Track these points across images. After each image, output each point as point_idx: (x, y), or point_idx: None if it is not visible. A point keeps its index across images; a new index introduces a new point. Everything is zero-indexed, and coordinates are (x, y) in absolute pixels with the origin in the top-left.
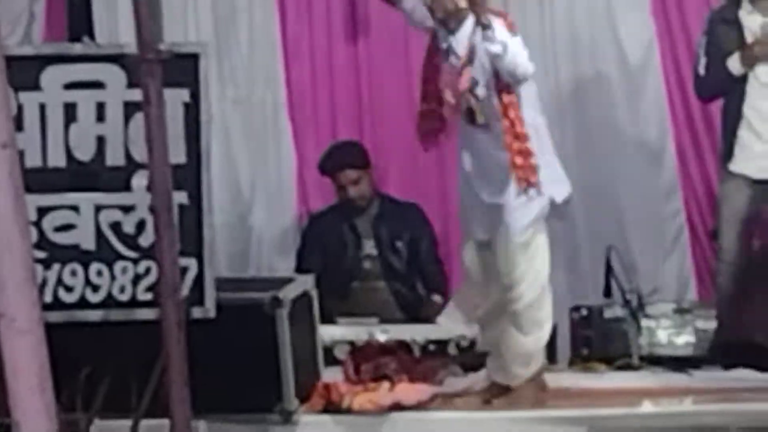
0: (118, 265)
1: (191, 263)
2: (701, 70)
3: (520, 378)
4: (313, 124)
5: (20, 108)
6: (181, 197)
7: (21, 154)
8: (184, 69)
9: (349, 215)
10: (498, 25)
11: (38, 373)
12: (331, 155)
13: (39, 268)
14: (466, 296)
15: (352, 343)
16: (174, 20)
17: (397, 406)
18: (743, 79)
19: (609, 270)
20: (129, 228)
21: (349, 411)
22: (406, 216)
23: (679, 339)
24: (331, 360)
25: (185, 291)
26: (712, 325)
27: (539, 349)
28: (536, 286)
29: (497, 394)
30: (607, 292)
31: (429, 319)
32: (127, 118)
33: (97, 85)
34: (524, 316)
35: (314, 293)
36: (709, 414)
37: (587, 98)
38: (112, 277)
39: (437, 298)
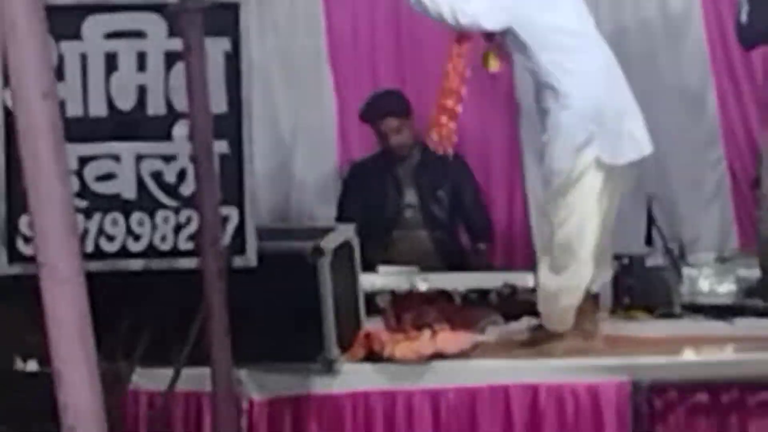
0: (159, 215)
1: (232, 212)
2: (744, 18)
3: (554, 323)
4: (354, 73)
5: (61, 58)
6: (221, 146)
7: (62, 104)
8: (224, 18)
9: (390, 164)
10: None
11: (79, 322)
12: (372, 103)
13: (80, 217)
14: None
15: (393, 292)
16: None
17: (439, 355)
18: None
19: (650, 218)
20: (170, 177)
21: (390, 360)
22: (448, 165)
23: (721, 288)
24: (373, 309)
25: (226, 240)
26: (754, 273)
27: (567, 292)
28: (571, 225)
29: (541, 339)
30: (649, 241)
31: (474, 268)
32: (168, 67)
33: (138, 34)
34: (554, 254)
35: (355, 242)
36: (751, 362)
37: (628, 45)
38: (153, 227)
39: (482, 246)
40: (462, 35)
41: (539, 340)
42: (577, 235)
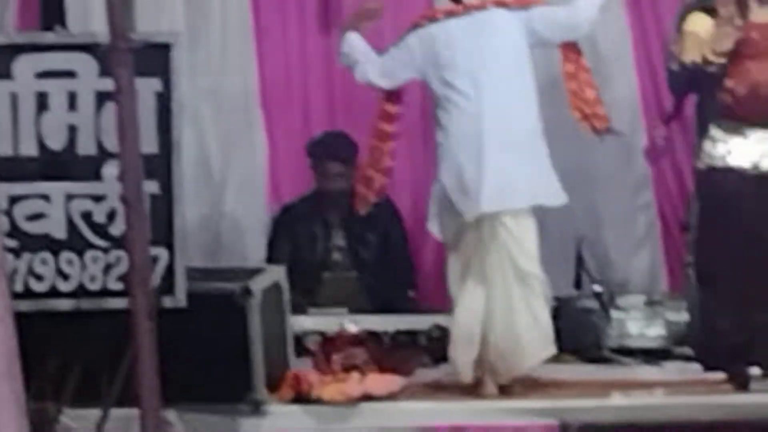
0: (89, 255)
1: (162, 253)
2: (674, 66)
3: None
4: (285, 114)
5: None
6: (152, 187)
7: None
8: (156, 58)
9: (322, 206)
10: None
11: (7, 362)
12: (322, 143)
13: (9, 256)
14: None
15: (322, 334)
16: (146, 9)
17: (367, 397)
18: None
19: (580, 261)
20: (100, 217)
21: (318, 401)
22: (378, 208)
23: (650, 331)
24: (302, 350)
25: (156, 280)
26: (683, 317)
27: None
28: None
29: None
30: (578, 284)
31: (403, 310)
32: (99, 107)
33: (69, 74)
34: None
35: (285, 283)
36: (680, 407)
37: (559, 89)
38: (83, 267)
39: (411, 293)
40: (391, 94)
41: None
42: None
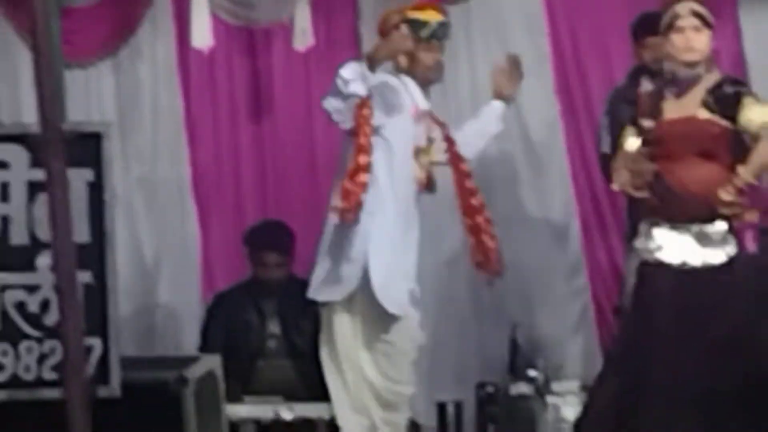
0: (23, 345)
1: (96, 342)
2: (606, 148)
3: None
4: (217, 203)
5: None
6: (85, 276)
7: None
8: (87, 148)
9: (256, 294)
10: None
11: None
12: (260, 233)
13: None
14: None
15: (257, 422)
16: (77, 99)
17: None
18: None
19: (514, 347)
20: (33, 307)
21: None
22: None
23: None
24: None
25: (90, 370)
26: None
27: None
28: None
29: None
30: (513, 369)
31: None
32: (31, 197)
33: (1, 165)
34: None
35: (219, 372)
36: None
37: (492, 176)
38: (17, 357)
39: None
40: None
41: None
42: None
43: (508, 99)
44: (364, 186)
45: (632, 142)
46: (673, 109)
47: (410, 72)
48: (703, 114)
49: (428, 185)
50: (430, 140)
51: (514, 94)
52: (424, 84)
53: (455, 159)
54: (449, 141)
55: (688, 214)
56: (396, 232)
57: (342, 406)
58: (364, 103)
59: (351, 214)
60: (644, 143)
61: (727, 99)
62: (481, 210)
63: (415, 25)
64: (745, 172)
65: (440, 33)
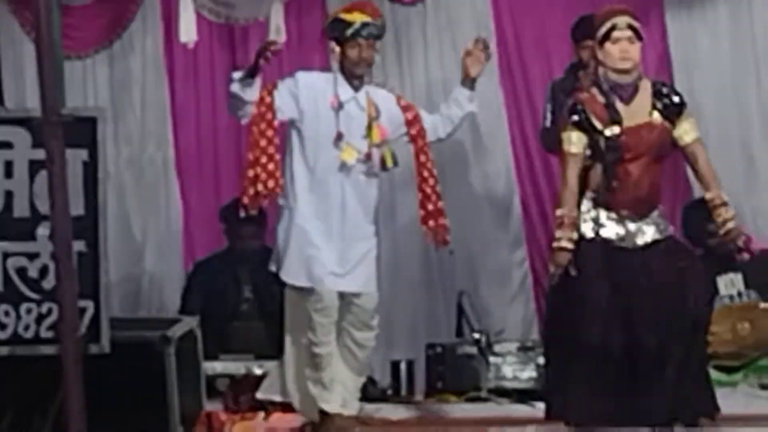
0: (23, 306)
1: (89, 305)
2: (548, 124)
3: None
4: (198, 181)
5: None
6: (80, 245)
7: None
8: (83, 131)
9: (231, 263)
10: None
11: None
12: (234, 208)
13: None
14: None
15: (231, 377)
16: (74, 87)
17: None
18: None
19: (460, 312)
20: (33, 273)
21: None
22: None
23: (523, 374)
24: (213, 392)
25: (83, 329)
26: None
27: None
28: None
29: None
30: (459, 332)
31: None
32: (32, 174)
33: (6, 145)
34: None
35: (198, 332)
36: None
37: (444, 161)
38: (18, 317)
39: None
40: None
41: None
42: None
43: (474, 78)
44: (266, 177)
45: (578, 144)
46: (627, 115)
47: (340, 66)
48: (658, 120)
49: (383, 163)
50: (370, 125)
51: (479, 73)
52: (352, 77)
53: (415, 137)
54: (410, 122)
55: (639, 207)
56: (319, 215)
57: (289, 368)
58: (261, 101)
59: (250, 207)
60: (606, 147)
61: (674, 107)
62: (434, 183)
63: (340, 25)
64: (717, 192)
65: (364, 32)
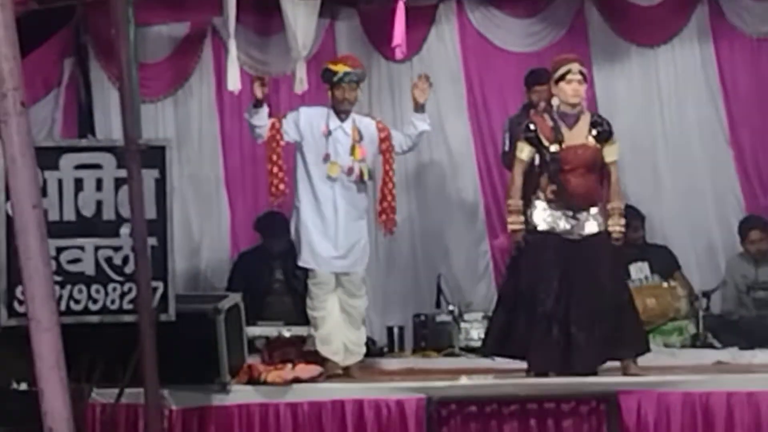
0: (110, 286)
1: (159, 285)
2: (506, 148)
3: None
4: (241, 193)
5: (45, 181)
6: (152, 241)
7: (46, 212)
8: (155, 156)
9: (265, 254)
10: None
11: (55, 357)
12: (265, 221)
13: (57, 287)
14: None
15: (266, 338)
16: (148, 123)
17: (297, 380)
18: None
19: (439, 290)
20: (118, 261)
21: (264, 383)
22: None
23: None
24: (252, 349)
25: (155, 303)
26: None
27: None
28: None
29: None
30: (438, 305)
31: None
32: (117, 188)
33: (97, 166)
34: None
35: (241, 305)
36: (505, 385)
37: (426, 176)
38: (106, 294)
39: None
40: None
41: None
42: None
43: (423, 104)
44: (277, 184)
45: (527, 154)
46: (568, 137)
47: (331, 103)
48: (592, 142)
49: (361, 176)
50: (353, 146)
51: (426, 100)
52: (339, 112)
53: (384, 151)
54: (382, 139)
55: (576, 205)
56: (317, 214)
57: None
58: (273, 126)
59: (273, 201)
60: (550, 160)
61: (605, 134)
62: (392, 187)
63: (329, 73)
64: (617, 202)
65: (346, 79)
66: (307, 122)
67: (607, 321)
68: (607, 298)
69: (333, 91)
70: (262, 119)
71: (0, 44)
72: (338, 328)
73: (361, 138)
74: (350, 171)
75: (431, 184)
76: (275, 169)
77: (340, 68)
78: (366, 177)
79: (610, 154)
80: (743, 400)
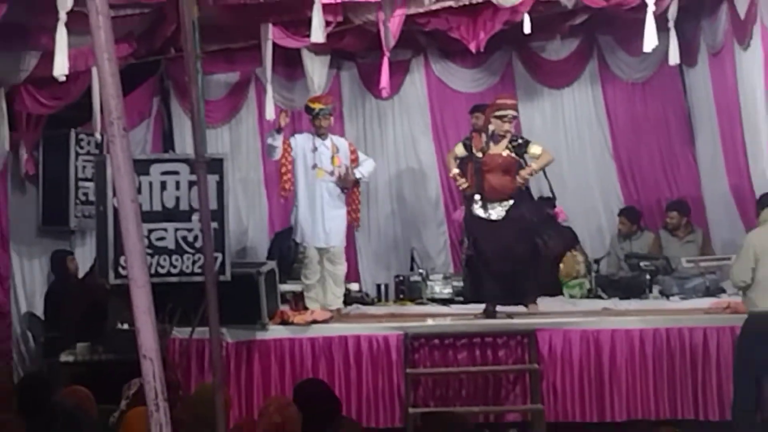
0: (185, 256)
1: (219, 255)
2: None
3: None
4: (275, 191)
5: (140, 183)
6: (214, 225)
7: (140, 205)
8: (216, 165)
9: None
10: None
11: (147, 306)
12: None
13: (148, 257)
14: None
15: (293, 292)
16: (211, 142)
17: (314, 321)
18: None
19: (412, 258)
20: (190, 239)
21: (292, 323)
22: None
23: (445, 290)
24: (283, 300)
25: (216, 268)
26: (460, 283)
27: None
28: None
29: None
30: (412, 268)
31: None
32: (190, 188)
33: (176, 173)
34: None
35: (276, 269)
36: (460, 325)
37: (403, 180)
38: (182, 262)
39: None
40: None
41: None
42: None
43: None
44: (285, 184)
45: (459, 150)
46: (492, 149)
47: (314, 129)
48: (506, 153)
49: (345, 179)
50: (332, 157)
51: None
52: (318, 135)
53: (353, 162)
54: (352, 153)
55: (496, 198)
56: (309, 206)
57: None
58: (286, 147)
59: (283, 196)
60: (475, 163)
61: (519, 147)
62: (359, 194)
63: (308, 108)
64: (528, 170)
65: (321, 113)
66: (301, 144)
67: (518, 276)
68: (518, 261)
69: (313, 120)
70: (278, 141)
71: (108, 87)
72: (329, 285)
73: (337, 151)
74: (332, 174)
75: (407, 186)
76: (286, 177)
77: (316, 105)
78: (349, 183)
79: (534, 151)
80: (622, 335)
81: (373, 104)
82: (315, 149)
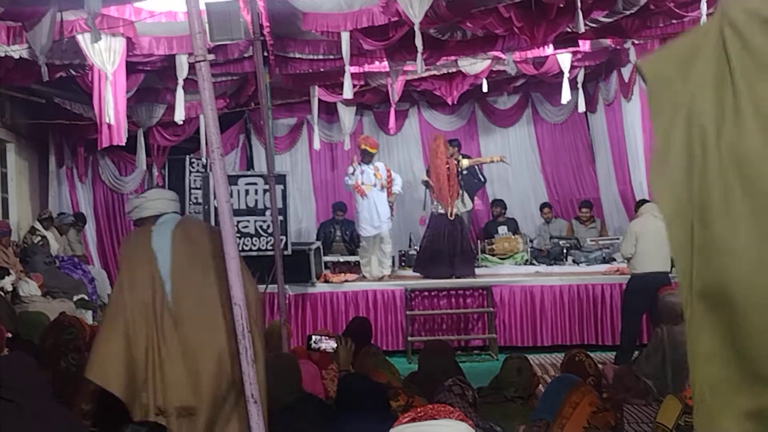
0: (262, 238)
1: (284, 237)
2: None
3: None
4: (323, 196)
5: (231, 190)
6: (280, 218)
7: (231, 205)
8: (281, 179)
9: (333, 223)
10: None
11: (236, 270)
12: (335, 205)
13: (237, 239)
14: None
15: (332, 262)
16: (278, 163)
17: (346, 281)
18: None
19: (410, 240)
20: (265, 227)
21: (331, 283)
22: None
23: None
24: (327, 267)
25: (281, 246)
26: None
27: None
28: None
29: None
30: (409, 246)
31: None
32: (264, 193)
33: (255, 183)
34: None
35: (321, 247)
36: (442, 283)
37: (406, 190)
38: (260, 242)
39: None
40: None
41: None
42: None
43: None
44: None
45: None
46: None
47: (362, 158)
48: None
49: (381, 186)
50: (375, 173)
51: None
52: (364, 161)
53: (388, 181)
54: (389, 175)
55: (449, 199)
56: (365, 205)
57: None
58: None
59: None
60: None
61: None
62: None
63: (361, 150)
64: (465, 162)
65: (368, 154)
66: (357, 170)
67: (459, 256)
68: (458, 246)
69: (363, 155)
70: (351, 180)
71: (211, 127)
72: (381, 257)
73: (378, 170)
74: (375, 184)
75: (405, 191)
76: (357, 189)
77: (369, 149)
78: (385, 186)
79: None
80: (548, 289)
81: (384, 139)
82: (363, 172)
